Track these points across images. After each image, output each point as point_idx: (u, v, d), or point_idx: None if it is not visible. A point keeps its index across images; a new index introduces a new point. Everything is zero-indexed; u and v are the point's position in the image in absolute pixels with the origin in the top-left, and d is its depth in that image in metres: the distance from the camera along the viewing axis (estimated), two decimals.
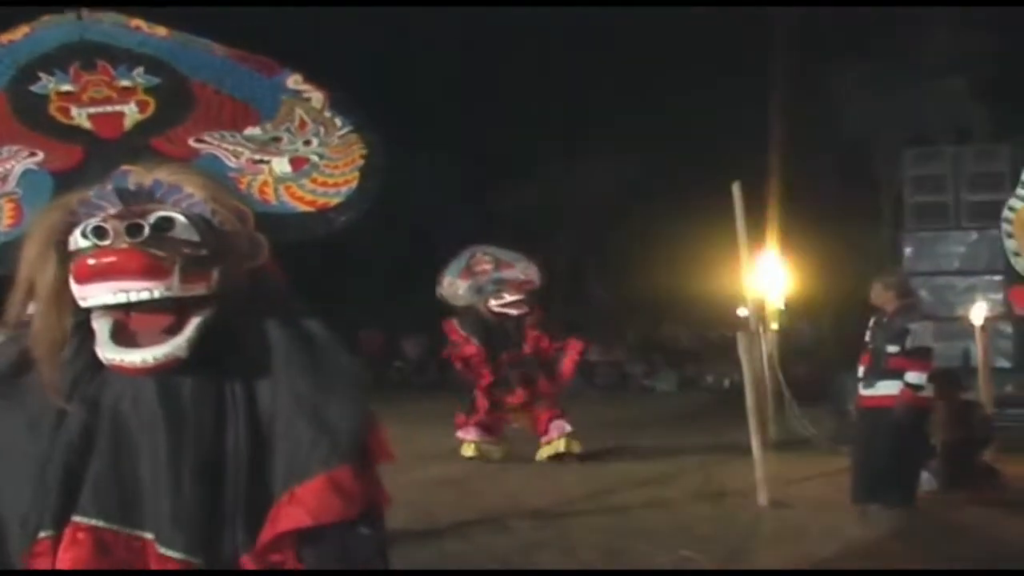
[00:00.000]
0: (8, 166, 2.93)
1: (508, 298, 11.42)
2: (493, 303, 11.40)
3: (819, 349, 18.84)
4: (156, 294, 2.45)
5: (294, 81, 3.05)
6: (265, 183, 2.95)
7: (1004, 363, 13.48)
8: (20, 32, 2.94)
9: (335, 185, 2.98)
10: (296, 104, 3.04)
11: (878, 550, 7.25)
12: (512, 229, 19.09)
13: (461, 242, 12.41)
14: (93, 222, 2.53)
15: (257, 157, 2.98)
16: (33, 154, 2.94)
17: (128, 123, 2.98)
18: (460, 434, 11.29)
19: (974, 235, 14.07)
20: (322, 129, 3.04)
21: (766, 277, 11.59)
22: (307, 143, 3.02)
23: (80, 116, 2.97)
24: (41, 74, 2.94)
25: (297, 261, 2.95)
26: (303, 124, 3.04)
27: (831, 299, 16.88)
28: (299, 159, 2.99)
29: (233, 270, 2.56)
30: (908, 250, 14.06)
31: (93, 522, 2.44)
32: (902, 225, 14.24)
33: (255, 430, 2.52)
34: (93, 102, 2.96)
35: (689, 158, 18.80)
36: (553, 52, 21.26)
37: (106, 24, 2.91)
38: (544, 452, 11.14)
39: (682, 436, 13.14)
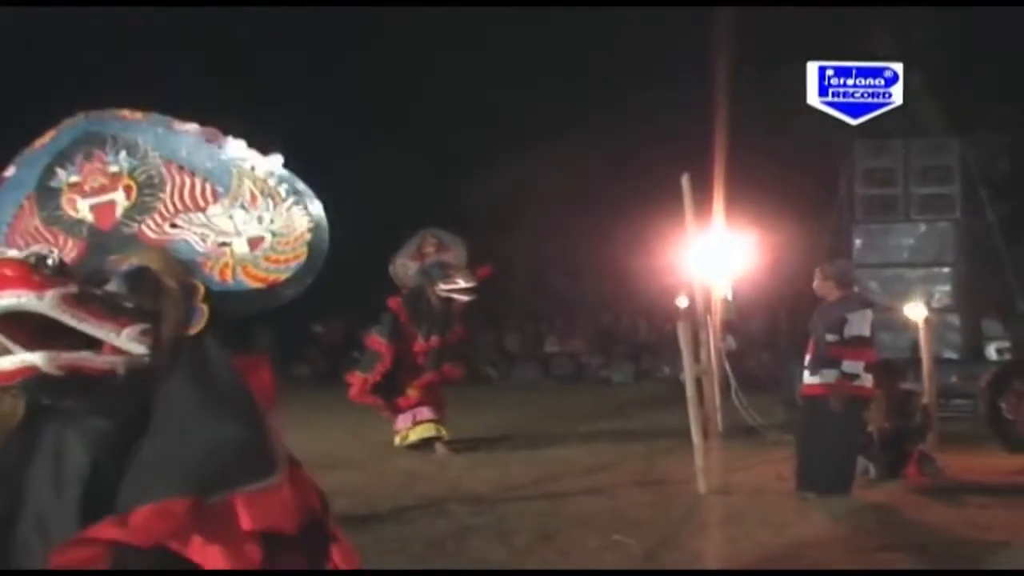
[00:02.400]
0: None
1: (461, 284, 11.42)
2: (442, 286, 11.41)
3: (774, 340, 18.99)
4: (23, 300, 2.64)
5: (237, 147, 3.21)
6: (226, 264, 3.19)
7: (951, 355, 13.59)
8: (48, 136, 3.22)
9: (285, 261, 3.18)
10: (244, 175, 3.20)
11: (810, 536, 7.33)
12: (473, 221, 19.12)
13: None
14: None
15: (220, 240, 3.20)
16: (51, 251, 3.11)
17: (119, 211, 3.25)
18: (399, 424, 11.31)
19: (923, 227, 14.19)
20: (270, 202, 3.19)
21: (713, 267, 11.66)
22: (259, 220, 3.20)
23: (83, 208, 3.26)
24: (57, 169, 3.24)
25: None
26: (254, 198, 3.20)
27: (784, 290, 16.99)
28: (255, 239, 3.19)
29: (162, 331, 2.91)
30: (857, 241, 14.16)
31: None
32: (852, 217, 14.37)
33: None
34: (92, 192, 3.26)
35: (642, 150, 18.93)
36: (507, 45, 21.31)
37: (104, 116, 3.18)
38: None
39: (631, 425, 13.22)
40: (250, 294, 3.20)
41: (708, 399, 11.29)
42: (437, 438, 11.15)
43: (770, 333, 19.65)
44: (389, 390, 11.32)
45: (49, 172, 3.27)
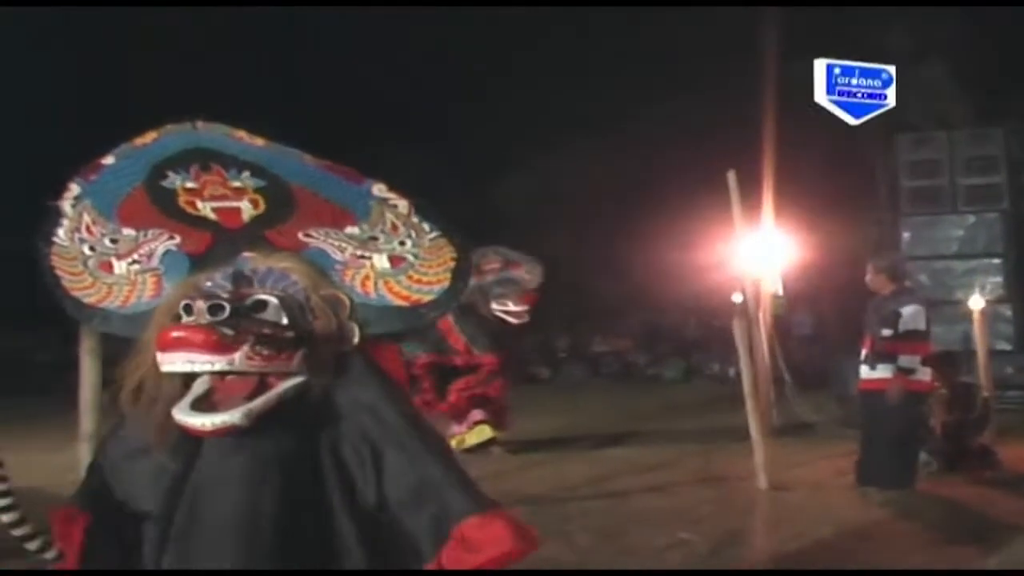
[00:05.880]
0: (152, 246, 3.39)
1: (512, 307, 11.44)
2: (495, 306, 11.42)
3: (820, 335, 18.93)
4: (217, 367, 2.96)
5: (379, 189, 3.25)
6: (367, 277, 3.29)
7: (1005, 346, 13.54)
8: (149, 137, 3.21)
9: (428, 283, 3.29)
10: (385, 209, 3.25)
11: (873, 530, 7.32)
12: (512, 221, 19.17)
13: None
14: (187, 300, 3.09)
15: (360, 253, 3.29)
16: (172, 237, 3.36)
17: (246, 216, 3.30)
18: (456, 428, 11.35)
19: (971, 218, 14.14)
20: (413, 232, 3.26)
21: (762, 264, 11.65)
22: (402, 244, 3.28)
23: (205, 208, 3.29)
24: (169, 172, 3.24)
25: None
26: (395, 227, 3.26)
27: (831, 285, 16.94)
28: (397, 257, 3.28)
29: (320, 351, 3.10)
30: (906, 235, 14.15)
31: None
32: (899, 210, 14.34)
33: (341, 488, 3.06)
34: (213, 198, 3.28)
35: (689, 146, 18.87)
36: (551, 42, 21.31)
37: (215, 133, 3.16)
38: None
39: (685, 423, 13.24)
40: (395, 311, 3.31)
41: (762, 395, 11.28)
42: (493, 440, 11.20)
43: (818, 327, 19.59)
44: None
45: (158, 172, 3.27)
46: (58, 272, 3.55)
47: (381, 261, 3.29)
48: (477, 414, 11.26)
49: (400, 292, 3.30)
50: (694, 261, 16.29)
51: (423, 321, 3.39)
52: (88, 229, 3.42)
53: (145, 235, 3.39)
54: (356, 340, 3.20)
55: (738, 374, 13.20)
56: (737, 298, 12.53)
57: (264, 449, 3.06)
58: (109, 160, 3.30)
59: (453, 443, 11.14)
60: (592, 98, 21.35)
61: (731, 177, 10.52)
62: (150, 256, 3.41)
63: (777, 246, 12.14)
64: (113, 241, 3.43)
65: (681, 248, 17.77)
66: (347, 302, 3.22)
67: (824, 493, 8.62)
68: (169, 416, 3.03)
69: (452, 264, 3.30)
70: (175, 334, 2.96)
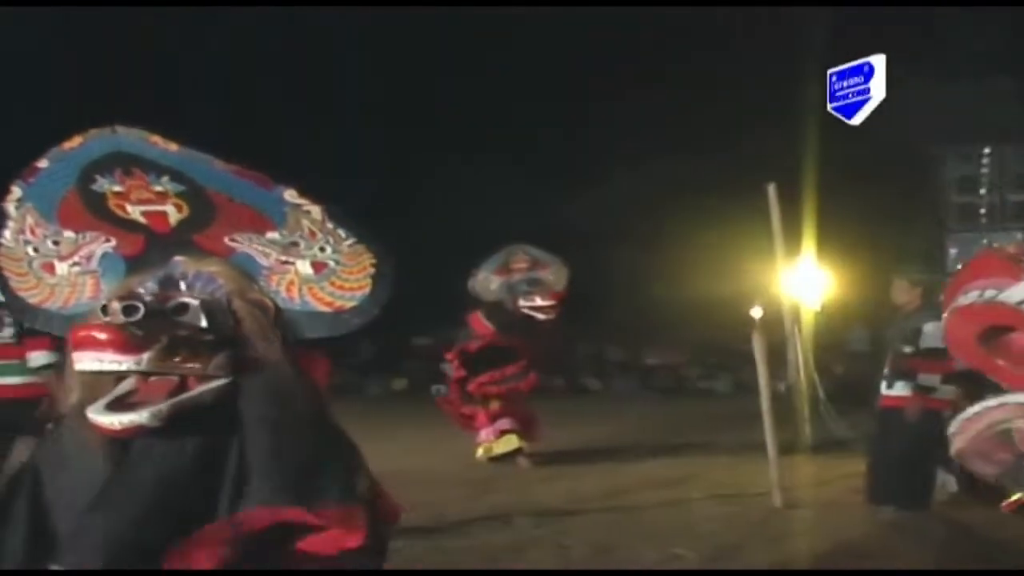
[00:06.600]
0: (91, 248, 3.47)
1: (539, 302, 11.43)
2: (522, 303, 11.43)
3: (873, 351, 18.62)
4: (124, 366, 3.02)
5: (290, 195, 3.31)
6: (292, 282, 3.37)
7: None
8: (76, 141, 3.29)
9: (351, 289, 3.37)
10: (300, 215, 3.31)
11: (873, 550, 7.20)
12: (569, 234, 19.13)
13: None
14: (104, 301, 3.14)
15: (283, 258, 3.36)
16: (108, 240, 3.43)
17: (172, 221, 3.37)
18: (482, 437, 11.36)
19: (1019, 235, 13.85)
20: (331, 239, 3.33)
21: (802, 279, 11.52)
22: (322, 249, 3.35)
23: (135, 212, 3.36)
24: (96, 176, 3.30)
25: None
26: (312, 233, 3.33)
27: (880, 301, 16.69)
28: (319, 263, 3.36)
29: (242, 355, 3.15)
30: (952, 250, 13.92)
31: None
32: (945, 225, 14.10)
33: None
34: (140, 202, 3.34)
35: (735, 160, 18.76)
36: (607, 58, 21.32)
37: (134, 138, 3.22)
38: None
39: (723, 438, 13.10)
40: (319, 316, 3.38)
41: (798, 411, 11.17)
42: (520, 450, 11.18)
43: (875, 343, 19.28)
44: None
45: (86, 176, 3.32)
46: (5, 272, 3.64)
47: (304, 267, 3.34)
48: (505, 423, 11.26)
49: (323, 298, 3.36)
50: (746, 275, 16.12)
51: (347, 327, 3.42)
52: (32, 231, 3.50)
53: (84, 237, 3.46)
54: (280, 345, 3.22)
55: (788, 388, 13.17)
56: (756, 312, 12.42)
57: (177, 449, 3.09)
58: (43, 163, 3.36)
59: (480, 451, 11.17)
60: (646, 111, 21.27)
61: (771, 189, 10.41)
62: (89, 258, 3.49)
63: (819, 261, 11.97)
64: (55, 243, 3.51)
65: (731, 262, 17.62)
66: (272, 307, 3.27)
67: (836, 511, 8.49)
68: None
69: (372, 270, 3.34)
70: (84, 333, 3.02)
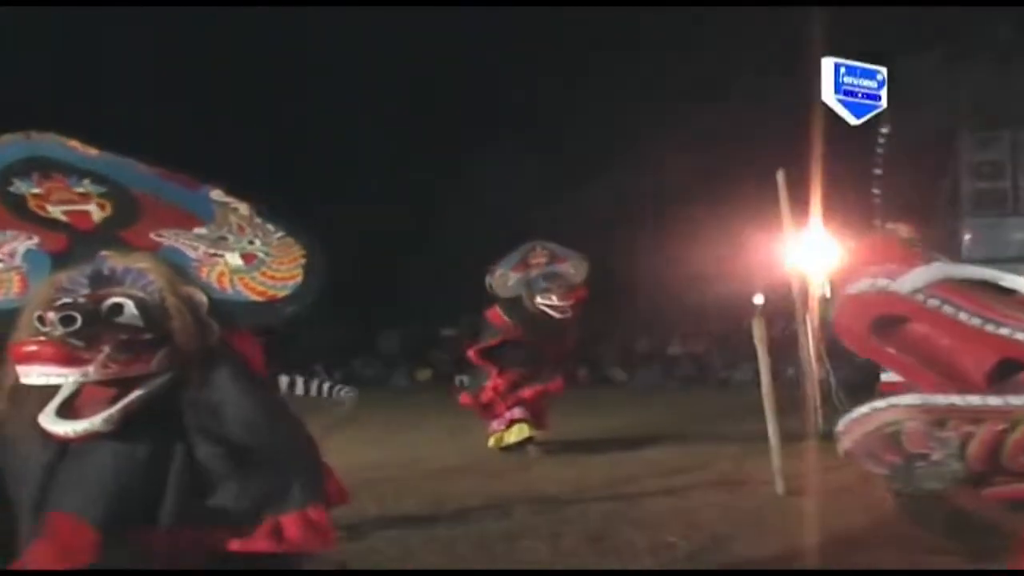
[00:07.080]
0: (13, 246, 3.46)
1: (556, 301, 11.40)
2: (539, 299, 11.40)
3: None
4: (71, 379, 3.05)
5: (217, 194, 3.41)
6: (222, 273, 3.38)
7: None
8: None
9: (283, 279, 3.41)
10: (228, 212, 3.41)
11: (870, 538, 7.12)
12: (590, 224, 19.12)
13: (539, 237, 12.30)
14: (39, 311, 3.13)
15: (212, 251, 3.40)
16: (30, 237, 3.44)
17: (96, 218, 3.41)
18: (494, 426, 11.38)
19: None
20: (260, 233, 3.43)
21: (811, 265, 11.43)
22: (251, 243, 3.43)
23: (56, 212, 3.41)
24: (13, 180, 3.36)
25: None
26: (241, 228, 3.43)
27: None
28: (248, 255, 3.41)
29: (181, 350, 3.16)
30: (967, 237, 13.77)
31: None
32: (960, 212, 13.94)
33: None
34: (61, 202, 3.40)
35: (755, 148, 18.61)
36: (620, 50, 21.27)
37: (50, 143, 3.32)
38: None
39: (734, 426, 12.96)
40: (252, 306, 3.39)
41: (808, 399, 11.10)
42: (531, 439, 11.20)
43: None
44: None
45: (3, 180, 3.38)
46: None
47: (234, 259, 3.38)
48: (516, 412, 11.27)
49: (255, 288, 3.38)
50: (761, 262, 16.03)
51: (280, 315, 3.44)
52: None
53: (5, 236, 3.47)
54: (216, 336, 3.24)
55: (795, 373, 13.09)
56: (758, 299, 12.34)
57: (126, 445, 3.12)
58: None
59: (492, 441, 11.19)
60: (666, 99, 21.22)
61: (780, 176, 10.37)
62: (12, 255, 3.48)
63: (827, 247, 11.85)
64: None
65: (745, 249, 17.54)
66: (205, 299, 3.28)
67: (839, 499, 8.37)
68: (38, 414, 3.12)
69: (303, 261, 3.38)
70: (26, 349, 3.06)
